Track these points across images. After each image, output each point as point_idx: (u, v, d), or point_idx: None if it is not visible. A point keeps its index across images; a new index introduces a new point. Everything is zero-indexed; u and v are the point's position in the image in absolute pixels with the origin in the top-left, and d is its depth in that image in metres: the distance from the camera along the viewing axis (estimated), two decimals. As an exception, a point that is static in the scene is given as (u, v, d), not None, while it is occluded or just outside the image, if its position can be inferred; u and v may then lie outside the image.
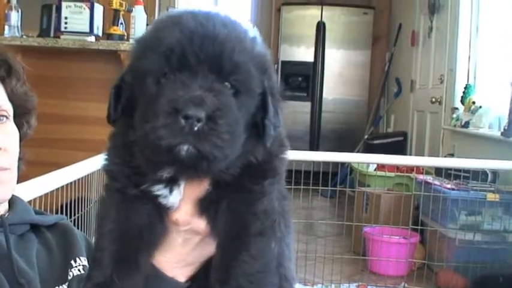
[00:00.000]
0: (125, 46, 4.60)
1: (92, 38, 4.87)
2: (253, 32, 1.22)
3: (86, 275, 1.23)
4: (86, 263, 1.65)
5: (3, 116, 1.52)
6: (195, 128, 1.05)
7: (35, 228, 1.63)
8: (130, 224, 1.21)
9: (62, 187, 2.68)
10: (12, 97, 1.56)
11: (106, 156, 1.26)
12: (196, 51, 1.10)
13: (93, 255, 1.24)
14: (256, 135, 1.19)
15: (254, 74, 1.16)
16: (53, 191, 2.57)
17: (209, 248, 1.27)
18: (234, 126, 1.10)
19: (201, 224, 1.23)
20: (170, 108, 1.05)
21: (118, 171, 1.22)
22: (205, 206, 1.22)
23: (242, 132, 1.14)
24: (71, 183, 2.81)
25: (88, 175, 3.07)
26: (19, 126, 1.59)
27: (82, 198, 3.07)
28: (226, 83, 1.12)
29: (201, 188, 1.21)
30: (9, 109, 1.55)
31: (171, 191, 1.20)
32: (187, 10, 1.19)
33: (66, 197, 2.78)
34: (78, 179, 2.92)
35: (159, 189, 1.20)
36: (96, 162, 3.15)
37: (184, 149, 1.06)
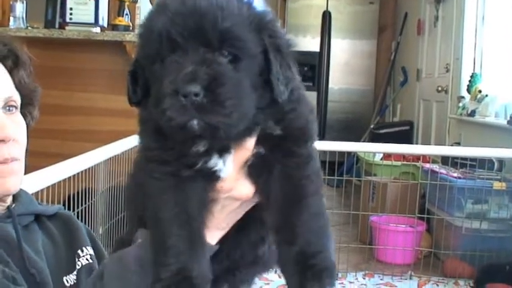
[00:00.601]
0: (130, 37, 4.58)
1: (97, 29, 4.86)
2: None
3: (153, 264, 1.21)
4: (92, 252, 1.67)
5: (12, 106, 1.52)
6: (196, 103, 1.07)
7: (37, 218, 1.64)
8: (190, 204, 1.22)
9: (68, 178, 2.69)
10: (19, 88, 1.56)
11: (141, 140, 1.28)
12: (181, 29, 1.12)
13: (159, 242, 1.22)
14: (271, 91, 1.20)
15: (248, 35, 1.16)
16: (59, 182, 2.58)
17: (241, 213, 1.31)
18: (235, 92, 1.12)
19: (244, 189, 1.26)
20: (171, 90, 1.08)
21: (167, 155, 1.22)
22: (254, 172, 1.25)
23: (249, 93, 1.16)
24: (77, 174, 2.81)
25: (94, 166, 3.08)
26: (23, 116, 1.58)
27: (88, 190, 3.08)
28: (223, 51, 1.14)
29: (245, 154, 1.23)
30: (17, 100, 1.55)
31: (224, 163, 1.23)
32: None
33: (73, 188, 2.78)
34: (84, 170, 2.92)
35: (216, 164, 1.22)
36: (102, 153, 3.16)
37: (195, 123, 1.09)
